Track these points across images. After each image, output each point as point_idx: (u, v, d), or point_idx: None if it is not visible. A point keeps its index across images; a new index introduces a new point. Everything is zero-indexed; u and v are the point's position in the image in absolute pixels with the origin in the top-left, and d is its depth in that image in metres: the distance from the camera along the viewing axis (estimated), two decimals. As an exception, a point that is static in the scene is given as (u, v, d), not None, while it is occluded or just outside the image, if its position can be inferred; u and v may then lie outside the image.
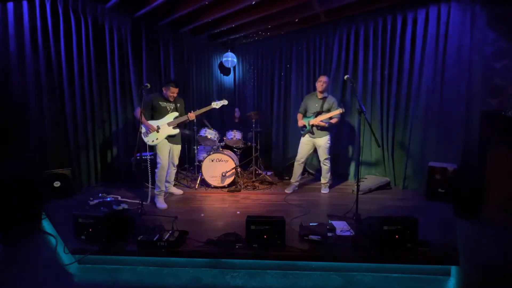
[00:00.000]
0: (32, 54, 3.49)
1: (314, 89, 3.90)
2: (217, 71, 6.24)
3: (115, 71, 4.33)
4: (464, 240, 2.46)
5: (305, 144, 3.85)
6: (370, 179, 4.14)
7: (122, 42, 4.38)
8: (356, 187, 2.98)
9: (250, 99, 6.08)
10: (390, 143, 4.26)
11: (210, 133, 4.27)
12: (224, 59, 6.08)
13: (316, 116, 3.67)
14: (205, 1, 3.99)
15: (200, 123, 4.49)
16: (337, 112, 3.55)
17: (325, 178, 3.91)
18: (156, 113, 3.41)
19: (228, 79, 6.51)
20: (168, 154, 3.47)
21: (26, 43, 3.44)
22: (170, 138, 3.45)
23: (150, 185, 3.68)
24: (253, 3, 4.04)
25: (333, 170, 4.76)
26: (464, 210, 3.15)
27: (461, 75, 3.57)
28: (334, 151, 4.78)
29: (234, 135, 4.49)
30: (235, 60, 6.13)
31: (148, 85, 3.11)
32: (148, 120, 3.37)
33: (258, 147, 4.84)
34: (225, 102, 3.69)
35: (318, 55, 4.92)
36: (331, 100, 3.71)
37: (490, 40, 3.37)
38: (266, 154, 5.68)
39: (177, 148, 3.63)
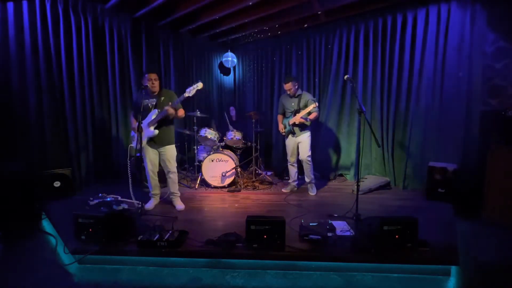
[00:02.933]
0: (32, 54, 3.48)
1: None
2: (217, 71, 6.23)
3: (115, 71, 4.33)
4: (464, 240, 2.46)
5: (290, 145, 3.85)
6: (370, 179, 4.14)
7: (122, 42, 4.38)
8: (356, 187, 2.97)
9: (250, 99, 6.08)
10: (390, 143, 4.25)
11: (210, 133, 4.27)
12: (224, 59, 6.07)
13: (294, 115, 3.67)
14: (205, 1, 3.99)
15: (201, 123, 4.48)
16: (311, 107, 3.54)
17: (309, 177, 3.83)
18: (143, 112, 3.05)
19: (228, 79, 6.51)
20: (154, 158, 3.21)
21: (26, 43, 3.44)
22: (151, 141, 3.12)
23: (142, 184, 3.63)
24: (254, 3, 4.04)
25: (333, 170, 4.79)
26: (464, 210, 3.15)
27: (461, 75, 3.57)
28: (334, 151, 4.79)
29: (234, 135, 4.49)
30: (235, 60, 6.13)
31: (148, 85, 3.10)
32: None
33: (258, 147, 4.84)
34: (199, 86, 3.01)
35: (318, 55, 4.91)
36: (306, 96, 3.70)
37: (490, 40, 3.37)
38: (266, 154, 5.68)
39: (167, 150, 3.17)
